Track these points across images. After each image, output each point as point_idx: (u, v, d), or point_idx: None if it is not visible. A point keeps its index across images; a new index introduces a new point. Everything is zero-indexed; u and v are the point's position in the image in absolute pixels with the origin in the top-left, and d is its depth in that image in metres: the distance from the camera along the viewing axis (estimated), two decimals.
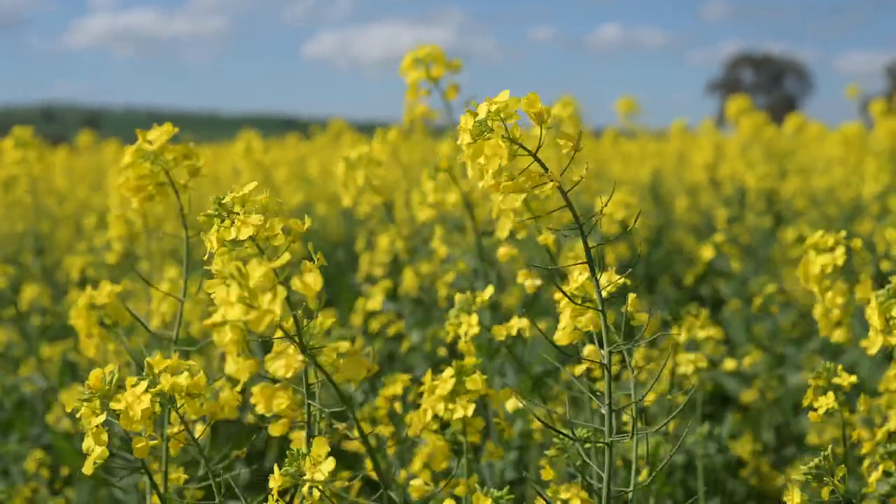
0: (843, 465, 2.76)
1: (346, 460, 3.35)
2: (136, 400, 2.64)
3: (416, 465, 3.34)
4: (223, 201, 2.68)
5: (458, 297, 3.43)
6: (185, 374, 2.71)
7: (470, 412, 3.00)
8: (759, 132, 10.56)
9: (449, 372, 3.05)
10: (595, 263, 2.53)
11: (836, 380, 2.99)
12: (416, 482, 3.17)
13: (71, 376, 5.90)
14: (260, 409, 2.66)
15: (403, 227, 5.72)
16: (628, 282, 2.70)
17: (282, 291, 2.28)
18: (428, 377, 3.07)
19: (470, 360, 3.09)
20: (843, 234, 3.55)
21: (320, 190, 11.14)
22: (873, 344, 2.61)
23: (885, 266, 6.10)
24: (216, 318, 2.27)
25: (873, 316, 2.57)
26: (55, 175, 11.64)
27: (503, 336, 3.32)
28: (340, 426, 2.82)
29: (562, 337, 2.77)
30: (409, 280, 5.31)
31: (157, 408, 2.70)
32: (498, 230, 3.84)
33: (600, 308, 2.58)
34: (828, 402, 2.95)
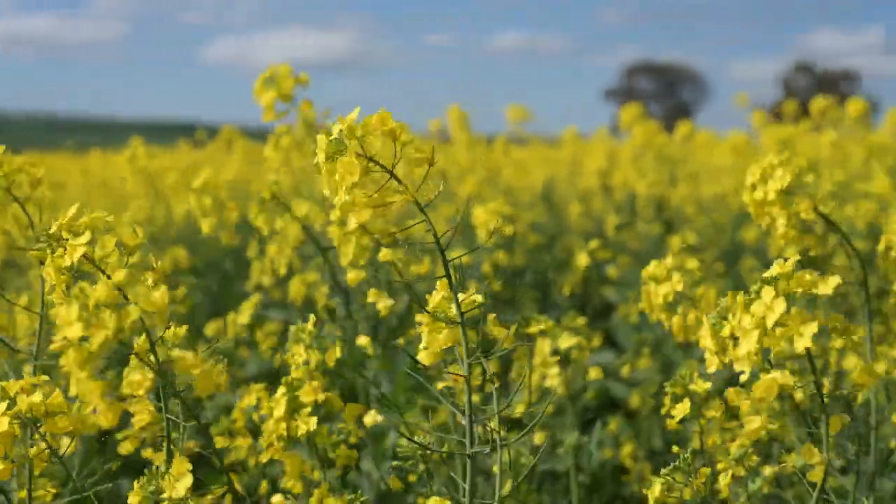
0: (706, 469, 2.80)
1: (216, 473, 3.29)
2: None
3: (288, 482, 3.33)
4: (50, 231, 2.63)
5: (291, 328, 3.35)
6: (38, 393, 2.66)
7: (313, 425, 3.01)
8: (651, 139, 10.66)
9: (281, 390, 3.07)
10: (453, 278, 2.54)
11: (692, 387, 3.02)
12: (276, 497, 3.16)
13: None
14: (104, 424, 2.61)
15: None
16: (482, 299, 2.68)
17: (130, 310, 2.24)
18: (265, 402, 3.10)
19: (297, 373, 3.09)
20: (672, 263, 3.60)
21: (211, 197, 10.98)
22: (710, 364, 2.62)
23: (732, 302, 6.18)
24: (57, 338, 2.23)
25: (706, 339, 2.58)
26: None
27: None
28: (191, 444, 2.77)
29: (425, 357, 2.73)
30: (295, 289, 5.24)
31: (17, 430, 2.66)
32: (340, 257, 3.82)
33: (460, 322, 2.58)
34: (683, 408, 2.98)
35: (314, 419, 2.99)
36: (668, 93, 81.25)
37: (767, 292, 2.47)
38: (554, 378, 3.79)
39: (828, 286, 2.48)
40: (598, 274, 7.66)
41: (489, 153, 10.24)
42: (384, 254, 3.92)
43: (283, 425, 3.01)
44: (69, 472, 2.85)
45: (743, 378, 2.55)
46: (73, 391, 2.38)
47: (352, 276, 3.93)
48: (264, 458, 3.10)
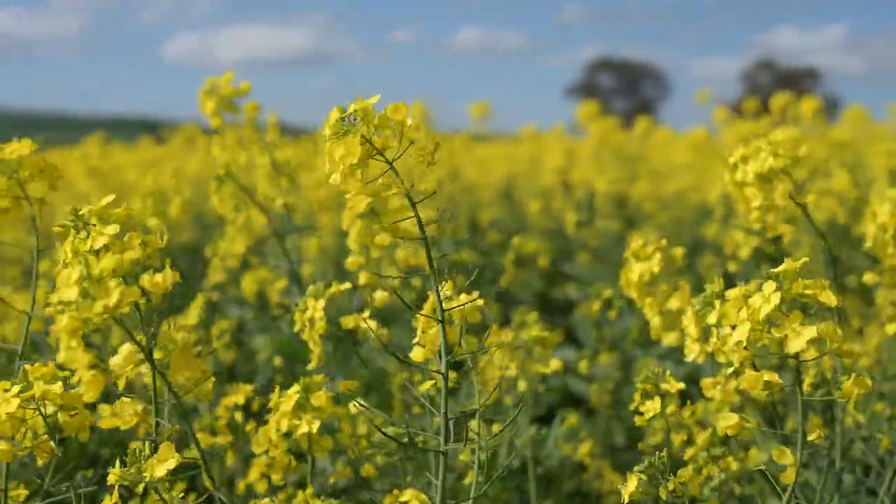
0: (688, 467, 2.79)
1: (185, 472, 3.27)
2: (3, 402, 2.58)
3: (254, 474, 3.34)
4: (80, 213, 2.65)
5: (310, 287, 3.42)
6: (59, 383, 2.64)
7: (315, 429, 3.00)
8: (609, 137, 10.67)
9: (295, 388, 3.05)
10: (436, 273, 2.53)
11: (664, 385, 3.00)
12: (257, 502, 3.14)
13: None
14: (87, 398, 2.62)
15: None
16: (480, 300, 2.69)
17: (130, 288, 2.31)
18: (276, 393, 3.06)
19: (317, 379, 3.06)
20: (664, 242, 3.60)
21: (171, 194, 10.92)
22: (691, 352, 2.61)
23: (731, 267, 6.19)
24: (53, 298, 2.23)
25: (690, 325, 2.57)
26: None
27: (350, 326, 3.30)
28: (173, 427, 2.74)
29: (418, 353, 2.76)
30: (248, 286, 5.21)
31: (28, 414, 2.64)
32: (349, 241, 3.83)
33: (440, 319, 2.58)
34: (654, 406, 2.96)
35: (317, 423, 2.99)
36: (630, 90, 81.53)
37: (769, 286, 2.46)
38: (513, 372, 3.78)
39: (830, 298, 2.47)
40: (559, 271, 7.65)
41: (450, 150, 10.22)
42: (350, 262, 3.92)
43: (287, 422, 3.00)
44: (41, 473, 2.84)
45: (729, 371, 2.54)
46: (60, 358, 2.39)
47: (351, 260, 3.92)
48: (257, 449, 3.10)
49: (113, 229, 2.56)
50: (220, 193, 4.60)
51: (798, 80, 67.64)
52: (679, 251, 3.63)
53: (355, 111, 2.38)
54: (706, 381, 2.60)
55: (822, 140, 9.32)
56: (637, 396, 3.04)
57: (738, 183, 3.45)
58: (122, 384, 2.68)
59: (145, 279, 2.45)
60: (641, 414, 3.01)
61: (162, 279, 2.49)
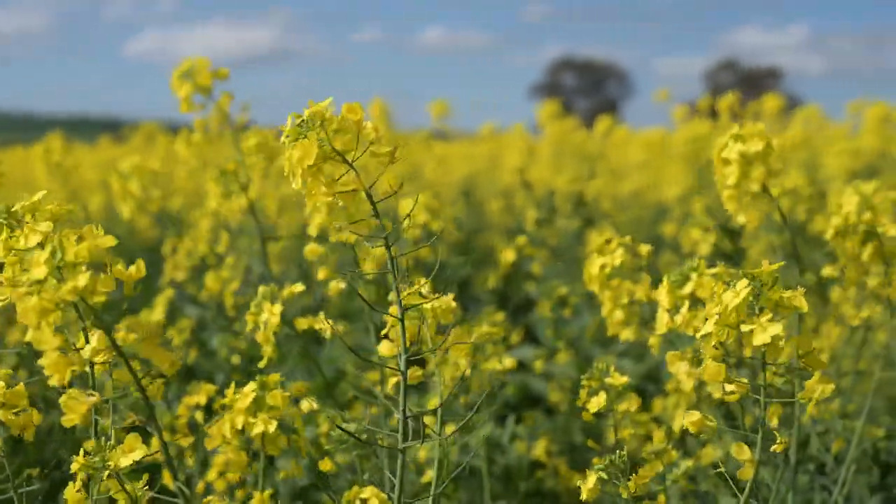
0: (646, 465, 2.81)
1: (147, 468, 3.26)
2: None
3: (212, 474, 3.34)
4: (12, 210, 2.63)
5: (261, 288, 3.41)
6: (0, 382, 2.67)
7: (271, 429, 2.98)
8: (567, 136, 10.70)
9: (251, 386, 3.03)
10: (396, 272, 2.54)
11: (608, 381, 3.03)
12: (211, 499, 3.11)
13: None
14: (53, 381, 2.58)
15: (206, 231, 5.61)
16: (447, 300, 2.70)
17: (105, 277, 2.37)
18: (231, 390, 3.05)
19: (273, 378, 3.05)
20: (629, 238, 3.63)
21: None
22: (661, 323, 2.64)
23: (691, 264, 6.24)
24: (22, 280, 2.31)
25: (662, 293, 2.60)
26: None
27: (305, 328, 3.30)
28: (134, 416, 2.73)
29: (386, 348, 2.79)
30: (209, 286, 5.19)
31: None
32: (309, 228, 3.83)
33: (400, 317, 2.59)
34: (599, 402, 2.98)
35: (274, 423, 2.97)
36: (594, 89, 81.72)
37: (741, 284, 2.49)
38: (469, 370, 3.78)
39: (803, 304, 2.50)
40: (518, 269, 7.66)
41: (410, 148, 10.24)
42: (310, 251, 3.92)
43: (242, 419, 2.98)
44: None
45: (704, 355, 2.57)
46: (28, 337, 2.43)
47: (310, 248, 3.91)
48: (210, 446, 3.08)
49: (46, 226, 2.54)
50: (218, 188, 4.50)
51: (760, 80, 68.05)
52: (645, 247, 3.66)
53: (311, 113, 2.40)
54: (672, 354, 2.62)
55: (780, 138, 9.39)
56: (583, 393, 3.07)
57: (723, 160, 3.52)
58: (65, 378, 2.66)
59: (117, 270, 2.46)
60: (587, 410, 3.04)
61: (135, 270, 2.50)
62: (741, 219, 3.63)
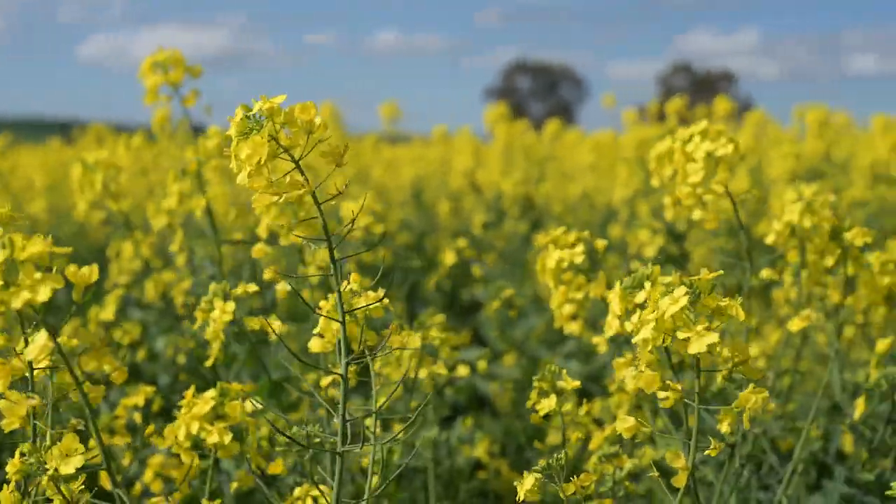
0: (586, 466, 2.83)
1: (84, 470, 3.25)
2: None
3: (148, 475, 3.33)
4: None
5: (212, 285, 3.39)
6: None
7: (227, 440, 2.98)
8: (515, 139, 10.73)
9: (212, 392, 3.03)
10: (339, 274, 2.53)
11: (560, 384, 3.04)
12: (154, 500, 3.10)
13: None
14: None
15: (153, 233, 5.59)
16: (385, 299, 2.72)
17: (53, 276, 2.32)
18: (190, 392, 3.03)
19: (235, 387, 3.04)
20: (586, 233, 3.65)
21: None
22: (610, 327, 2.66)
23: (635, 266, 6.28)
24: None
25: (615, 300, 2.62)
26: None
27: (256, 328, 3.31)
28: (75, 421, 2.71)
29: (316, 344, 2.78)
30: (151, 288, 5.17)
31: None
32: (258, 229, 3.82)
33: (340, 320, 2.58)
34: (550, 404, 2.99)
35: (229, 435, 2.97)
36: (548, 92, 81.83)
37: (679, 290, 2.51)
38: (421, 372, 3.79)
39: (741, 314, 2.53)
40: (467, 272, 7.69)
41: (360, 150, 10.24)
42: (258, 249, 3.91)
43: (198, 425, 2.97)
44: None
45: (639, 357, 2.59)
46: None
47: (258, 248, 3.90)
48: (162, 444, 3.07)
49: None
50: (178, 185, 4.47)
51: (714, 84, 68.49)
52: (601, 243, 3.68)
53: (261, 109, 2.37)
54: (619, 361, 2.64)
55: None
56: (534, 394, 3.08)
57: (686, 155, 3.54)
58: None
59: (70, 271, 2.43)
60: (537, 412, 3.05)
61: (88, 272, 2.46)
62: (697, 215, 3.66)
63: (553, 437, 4.64)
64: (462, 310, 8.29)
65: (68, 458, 2.52)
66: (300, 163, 2.40)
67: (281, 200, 2.38)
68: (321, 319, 2.72)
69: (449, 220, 10.51)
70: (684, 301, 2.48)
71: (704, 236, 6.53)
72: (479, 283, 8.15)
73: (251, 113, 2.39)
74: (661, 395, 2.56)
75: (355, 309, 2.63)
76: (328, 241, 2.49)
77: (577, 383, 3.05)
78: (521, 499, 2.76)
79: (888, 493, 2.70)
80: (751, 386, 2.61)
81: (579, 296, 3.70)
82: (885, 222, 9.25)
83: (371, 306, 2.66)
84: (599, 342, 3.77)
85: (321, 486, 2.83)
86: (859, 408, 3.74)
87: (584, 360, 6.24)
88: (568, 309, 3.69)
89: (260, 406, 3.12)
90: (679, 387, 2.56)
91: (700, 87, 66.48)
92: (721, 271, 2.59)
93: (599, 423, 3.82)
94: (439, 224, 10.75)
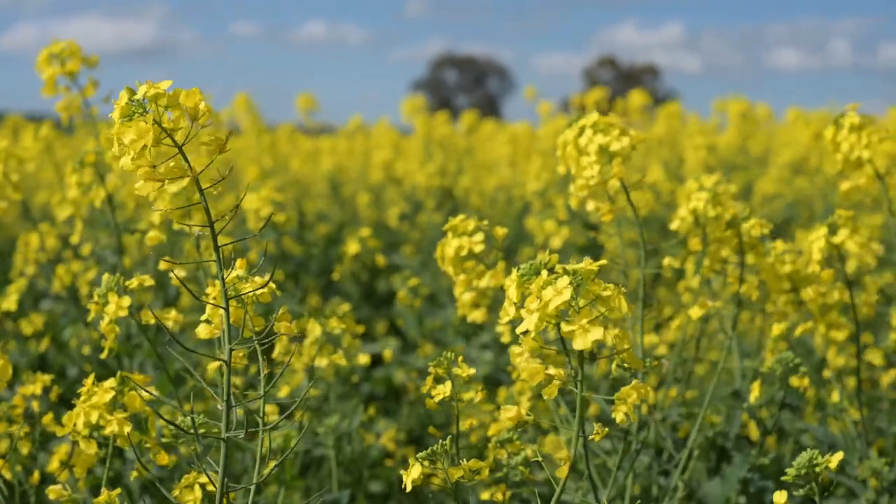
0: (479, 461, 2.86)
1: None
2: None
3: (54, 464, 3.31)
4: None
5: (105, 276, 3.36)
6: None
7: (126, 431, 2.96)
8: (432, 131, 10.76)
9: (111, 382, 3.00)
10: (223, 262, 2.53)
11: (455, 370, 3.06)
12: (54, 487, 3.09)
13: None
14: None
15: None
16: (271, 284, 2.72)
17: None
18: (89, 381, 3.00)
19: (137, 377, 3.02)
20: (485, 221, 3.68)
21: None
22: (506, 314, 2.69)
23: (543, 257, 6.34)
24: None
25: (511, 287, 2.64)
26: None
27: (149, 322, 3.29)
28: None
29: (204, 331, 2.79)
30: (58, 279, 5.13)
31: None
32: (152, 216, 3.79)
33: (224, 306, 2.59)
34: (444, 390, 3.02)
35: (129, 426, 2.95)
36: (475, 85, 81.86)
37: (563, 281, 2.52)
38: (322, 361, 3.78)
39: (623, 306, 2.55)
40: (388, 263, 7.71)
41: (274, 141, 10.20)
42: (151, 237, 3.89)
43: (97, 415, 2.95)
44: None
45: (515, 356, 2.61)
46: None
47: (151, 235, 3.88)
48: (60, 433, 3.05)
49: None
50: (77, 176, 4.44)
51: (638, 77, 68.93)
52: (501, 230, 3.69)
53: (146, 94, 2.35)
54: (514, 349, 2.67)
55: (644, 134, 9.60)
56: (429, 381, 3.10)
57: (579, 148, 3.56)
58: None
59: None
60: (432, 397, 3.07)
61: None
62: (590, 206, 3.70)
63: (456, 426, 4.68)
64: (380, 301, 8.32)
65: None
66: (183, 149, 2.38)
67: (164, 186, 2.37)
68: (208, 306, 2.73)
69: (368, 211, 10.51)
70: (567, 294, 2.48)
71: (615, 227, 6.59)
72: (396, 275, 8.19)
73: (136, 97, 2.36)
74: (541, 382, 2.59)
75: (240, 294, 2.64)
76: (211, 228, 2.48)
77: (472, 371, 3.07)
78: (408, 488, 2.78)
79: (783, 478, 2.75)
80: (634, 381, 2.65)
81: (481, 284, 3.71)
82: (801, 213, 9.42)
83: (257, 291, 2.66)
84: (504, 331, 3.80)
85: (209, 473, 2.82)
86: (754, 392, 3.83)
87: (500, 350, 6.29)
88: (468, 297, 3.72)
89: (155, 396, 3.11)
90: (562, 374, 2.58)
91: (625, 80, 66.88)
92: (604, 261, 2.60)
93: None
94: (359, 216, 10.75)
